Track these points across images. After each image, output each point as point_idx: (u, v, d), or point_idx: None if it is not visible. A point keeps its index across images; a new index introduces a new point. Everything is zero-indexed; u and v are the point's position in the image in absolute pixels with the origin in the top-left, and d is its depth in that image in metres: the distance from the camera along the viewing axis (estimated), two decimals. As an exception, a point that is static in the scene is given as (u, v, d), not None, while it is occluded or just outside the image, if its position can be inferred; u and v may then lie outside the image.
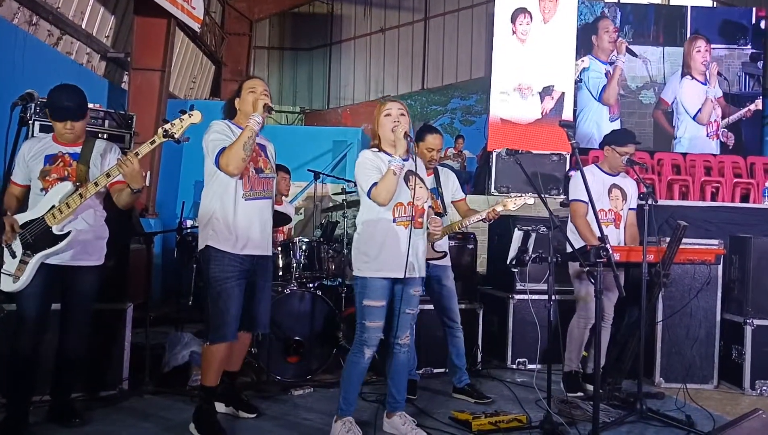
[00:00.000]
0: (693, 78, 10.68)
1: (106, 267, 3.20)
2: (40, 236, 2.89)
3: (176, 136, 2.87)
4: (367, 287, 2.99)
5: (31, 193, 3.05)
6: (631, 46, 10.81)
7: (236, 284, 3.07)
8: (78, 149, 3.08)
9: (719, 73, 10.69)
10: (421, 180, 3.08)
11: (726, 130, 10.66)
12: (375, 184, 2.96)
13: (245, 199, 3.08)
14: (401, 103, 3.13)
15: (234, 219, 3.06)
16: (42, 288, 2.92)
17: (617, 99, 10.69)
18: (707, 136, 10.60)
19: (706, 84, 10.65)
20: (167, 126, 2.88)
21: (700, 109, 10.62)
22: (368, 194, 2.98)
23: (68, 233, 2.91)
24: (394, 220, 3.01)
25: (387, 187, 2.93)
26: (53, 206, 2.90)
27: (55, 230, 2.90)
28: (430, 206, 3.19)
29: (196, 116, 2.90)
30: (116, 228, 3.69)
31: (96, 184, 2.92)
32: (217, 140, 3.04)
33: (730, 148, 10.60)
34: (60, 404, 3.17)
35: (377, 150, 3.08)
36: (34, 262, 2.87)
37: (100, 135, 3.93)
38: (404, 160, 2.98)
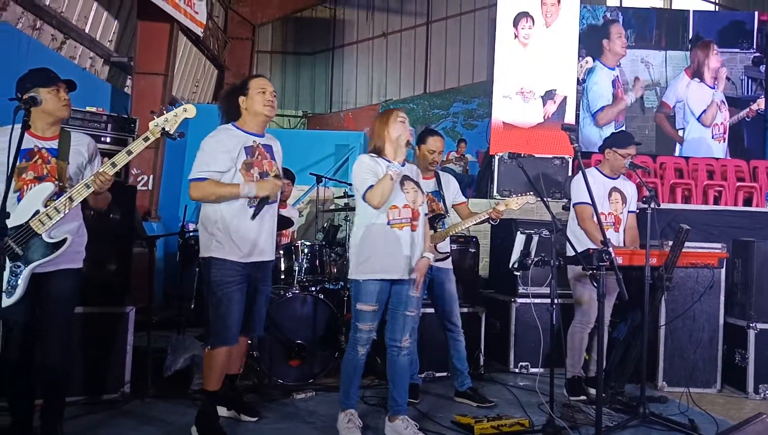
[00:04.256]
0: (701, 81, 10.68)
1: (82, 271, 2.92)
2: (29, 246, 2.63)
3: (171, 132, 2.73)
4: (360, 291, 3.07)
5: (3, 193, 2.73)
6: (633, 50, 10.82)
7: (238, 289, 3.05)
8: (55, 144, 2.79)
9: (728, 78, 10.70)
10: (417, 184, 3.17)
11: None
12: (371, 186, 3.02)
13: (249, 207, 3.05)
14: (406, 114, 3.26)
15: (238, 228, 3.03)
16: (27, 295, 2.69)
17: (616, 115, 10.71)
18: (713, 137, 10.59)
19: (714, 88, 10.65)
20: (161, 121, 2.72)
21: (704, 111, 10.61)
22: (363, 197, 3.05)
23: (64, 241, 2.68)
24: (389, 223, 3.06)
25: (382, 190, 2.99)
26: (38, 211, 2.64)
27: (46, 238, 2.65)
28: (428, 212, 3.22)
29: (191, 111, 2.76)
30: (119, 231, 3.70)
31: (87, 186, 2.68)
32: (201, 161, 3.01)
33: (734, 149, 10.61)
34: (48, 429, 2.84)
35: (376, 155, 3.14)
36: (27, 273, 2.63)
37: (102, 138, 3.93)
38: (401, 165, 3.09)
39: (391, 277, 3.05)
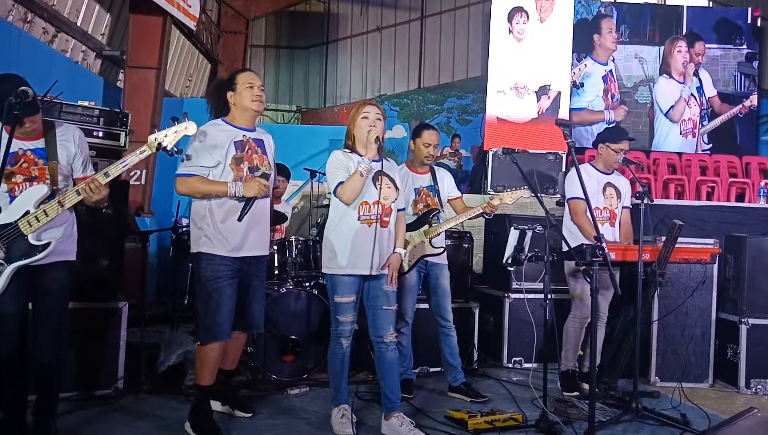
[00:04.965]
0: (670, 77, 10.71)
1: (75, 263, 2.91)
2: (14, 245, 2.62)
3: (168, 148, 2.73)
4: (336, 284, 3.09)
5: None
6: (627, 46, 10.82)
7: (228, 284, 3.04)
8: (41, 143, 2.75)
9: (695, 74, 10.72)
10: (392, 180, 3.15)
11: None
12: (341, 182, 3.02)
13: (239, 202, 3.02)
14: (379, 108, 3.19)
15: (228, 223, 3.01)
16: (17, 288, 2.68)
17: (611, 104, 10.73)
18: (681, 133, 10.62)
19: (683, 83, 10.67)
20: (160, 136, 2.71)
21: (672, 106, 10.63)
22: (334, 192, 3.06)
23: (48, 244, 2.67)
24: (359, 219, 3.06)
25: (352, 186, 3.00)
26: (27, 212, 2.64)
27: (32, 239, 2.65)
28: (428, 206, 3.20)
29: (191, 127, 2.75)
30: (112, 226, 3.68)
31: (77, 192, 2.67)
32: (189, 156, 3.00)
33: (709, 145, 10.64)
34: (41, 425, 2.84)
35: (349, 151, 3.14)
36: (9, 271, 2.62)
37: (94, 133, 3.90)
38: (375, 161, 3.04)
39: (360, 272, 3.05)
